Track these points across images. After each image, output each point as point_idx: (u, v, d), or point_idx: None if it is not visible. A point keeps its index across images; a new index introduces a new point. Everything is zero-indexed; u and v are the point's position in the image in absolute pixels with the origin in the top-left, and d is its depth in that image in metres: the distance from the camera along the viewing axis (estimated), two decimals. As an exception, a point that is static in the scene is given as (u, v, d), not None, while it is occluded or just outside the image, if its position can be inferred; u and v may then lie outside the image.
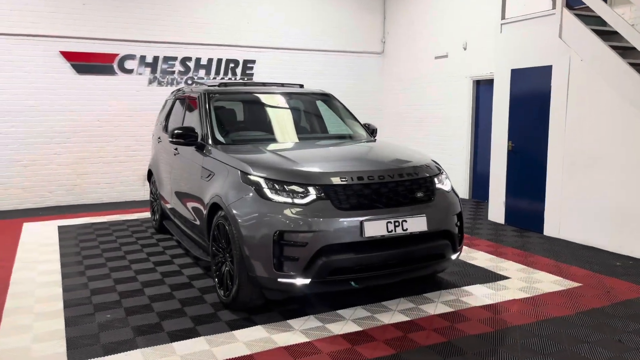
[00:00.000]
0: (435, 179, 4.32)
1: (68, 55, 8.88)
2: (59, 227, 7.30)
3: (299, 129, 5.58)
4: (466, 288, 4.76)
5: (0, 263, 5.58)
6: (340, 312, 4.17)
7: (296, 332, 3.80)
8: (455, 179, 9.71)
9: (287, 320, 4.00)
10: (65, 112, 8.95)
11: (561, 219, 6.54)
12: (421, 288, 4.71)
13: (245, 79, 10.30)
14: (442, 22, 9.97)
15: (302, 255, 3.70)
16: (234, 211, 3.93)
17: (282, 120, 5.64)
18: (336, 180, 3.87)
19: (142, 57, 9.43)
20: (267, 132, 5.44)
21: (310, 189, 3.82)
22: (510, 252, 5.97)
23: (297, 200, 3.79)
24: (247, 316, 4.08)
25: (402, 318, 4.05)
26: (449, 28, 9.78)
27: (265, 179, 3.90)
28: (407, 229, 3.90)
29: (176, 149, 5.67)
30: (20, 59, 8.58)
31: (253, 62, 10.36)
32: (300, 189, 3.83)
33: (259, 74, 10.42)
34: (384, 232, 3.83)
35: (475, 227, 7.23)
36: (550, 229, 6.70)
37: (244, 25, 10.21)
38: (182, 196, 5.43)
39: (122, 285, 4.86)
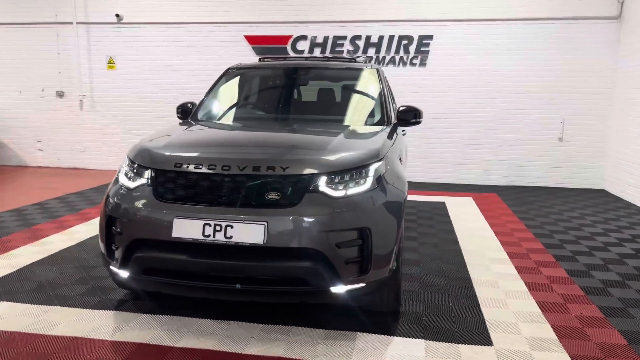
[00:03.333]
0: (320, 179, 3.13)
1: (250, 39, 9.76)
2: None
3: (297, 110, 4.89)
4: (381, 337, 3.33)
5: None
6: (200, 321, 3.55)
7: (123, 327, 3.47)
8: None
9: (143, 315, 3.65)
10: (246, 91, 9.91)
11: None
12: (333, 321, 3.54)
13: (419, 57, 9.27)
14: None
15: (120, 245, 3.31)
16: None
17: (285, 99, 5.01)
18: (167, 166, 3.28)
19: (313, 38, 9.57)
20: (262, 111, 5.01)
21: (146, 173, 3.35)
22: (578, 310, 3.82)
23: (128, 184, 3.40)
24: (124, 299, 3.92)
25: (207, 345, 3.18)
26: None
27: (129, 158, 3.61)
28: (231, 237, 3.01)
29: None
30: (214, 44, 9.91)
31: (430, 37, 9.21)
32: (136, 172, 3.41)
33: (437, 52, 9.22)
34: (199, 236, 3.05)
35: (604, 267, 4.85)
36: None
37: (422, -4, 9.17)
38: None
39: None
